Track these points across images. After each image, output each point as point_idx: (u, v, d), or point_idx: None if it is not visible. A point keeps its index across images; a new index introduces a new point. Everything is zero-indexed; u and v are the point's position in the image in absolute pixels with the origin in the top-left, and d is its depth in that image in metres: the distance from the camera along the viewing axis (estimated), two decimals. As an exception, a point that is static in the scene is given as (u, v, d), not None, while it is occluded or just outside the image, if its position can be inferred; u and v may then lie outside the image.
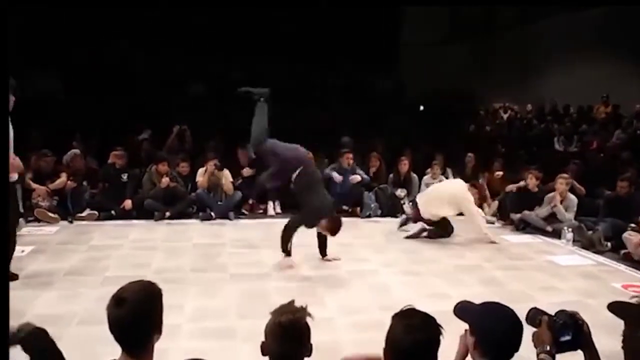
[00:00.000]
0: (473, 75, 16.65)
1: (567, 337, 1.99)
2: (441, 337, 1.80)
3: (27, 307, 3.88)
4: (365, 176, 7.97)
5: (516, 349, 1.87)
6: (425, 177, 8.23)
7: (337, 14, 14.37)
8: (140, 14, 12.46)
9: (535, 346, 2.03)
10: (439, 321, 1.85)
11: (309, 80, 13.70)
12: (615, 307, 1.98)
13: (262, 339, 1.86)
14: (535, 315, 2.08)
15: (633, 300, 2.00)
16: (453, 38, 18.45)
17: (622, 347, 1.92)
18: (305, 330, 1.84)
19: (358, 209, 7.75)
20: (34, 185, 6.82)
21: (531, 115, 13.69)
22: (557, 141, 11.35)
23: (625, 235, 5.89)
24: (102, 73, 12.29)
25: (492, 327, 1.89)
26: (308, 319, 1.86)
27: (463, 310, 2.01)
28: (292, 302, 1.90)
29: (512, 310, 1.94)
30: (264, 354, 1.85)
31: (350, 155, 7.95)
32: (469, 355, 1.98)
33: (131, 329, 1.78)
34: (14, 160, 3.59)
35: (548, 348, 1.98)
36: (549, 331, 2.00)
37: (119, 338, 1.80)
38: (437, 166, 8.23)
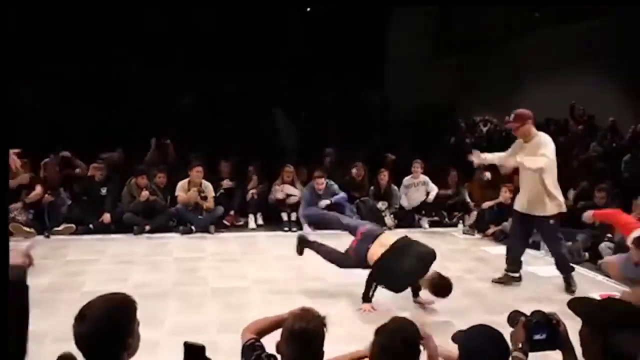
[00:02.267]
0: (456, 90, 16.87)
1: (542, 336, 2.02)
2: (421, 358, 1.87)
3: (0, 324, 3.77)
4: (338, 196, 7.63)
5: None
6: (405, 179, 8.24)
7: (325, 30, 14.50)
8: (132, 27, 12.41)
9: (512, 345, 2.07)
10: (422, 333, 1.86)
11: (297, 94, 13.75)
12: (575, 305, 2.00)
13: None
14: (515, 317, 2.13)
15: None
16: (438, 53, 18.71)
17: (581, 346, 1.93)
18: (318, 339, 1.94)
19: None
20: (14, 182, 6.56)
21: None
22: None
23: (602, 246, 6.00)
24: (87, 85, 12.16)
25: (478, 348, 1.93)
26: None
27: (455, 338, 2.06)
28: (311, 309, 2.02)
29: (498, 333, 1.97)
30: (277, 352, 1.97)
31: (322, 181, 7.53)
32: None
33: (95, 346, 1.71)
34: None
35: (520, 346, 2.02)
36: (524, 330, 2.03)
37: (85, 356, 1.73)
38: (417, 165, 8.18)
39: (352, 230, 4.72)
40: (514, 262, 5.29)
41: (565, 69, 13.68)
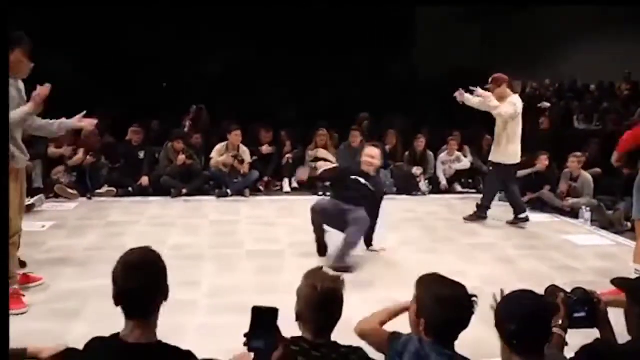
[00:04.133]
0: (490, 54, 16.36)
1: (582, 314, 2.04)
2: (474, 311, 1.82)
3: (51, 281, 3.99)
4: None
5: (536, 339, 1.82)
6: (441, 155, 8.16)
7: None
8: None
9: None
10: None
11: (325, 61, 13.54)
12: (618, 280, 2.03)
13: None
14: (553, 292, 2.13)
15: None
16: (468, 16, 18.06)
17: (626, 322, 1.96)
18: (341, 299, 1.91)
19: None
20: (59, 152, 6.92)
21: (550, 92, 13.43)
22: (576, 119, 11.15)
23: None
24: (119, 53, 12.28)
25: (509, 315, 1.83)
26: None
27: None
28: (322, 268, 1.98)
29: (539, 297, 1.89)
30: (297, 318, 1.90)
31: (356, 134, 7.85)
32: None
33: (139, 296, 1.78)
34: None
35: (560, 322, 2.02)
36: (563, 307, 2.04)
37: (126, 305, 1.79)
38: (454, 142, 8.14)
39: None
40: (485, 203, 6.30)
41: (605, 31, 13.07)
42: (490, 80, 5.87)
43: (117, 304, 1.78)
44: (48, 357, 2.04)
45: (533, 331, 1.76)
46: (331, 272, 1.95)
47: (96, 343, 1.79)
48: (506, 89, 5.83)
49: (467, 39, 16.83)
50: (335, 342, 1.91)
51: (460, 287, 1.87)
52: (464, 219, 6.25)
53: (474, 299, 1.83)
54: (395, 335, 1.98)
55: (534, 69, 15.07)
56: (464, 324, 1.83)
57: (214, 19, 12.68)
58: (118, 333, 1.77)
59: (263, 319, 1.65)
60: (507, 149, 5.88)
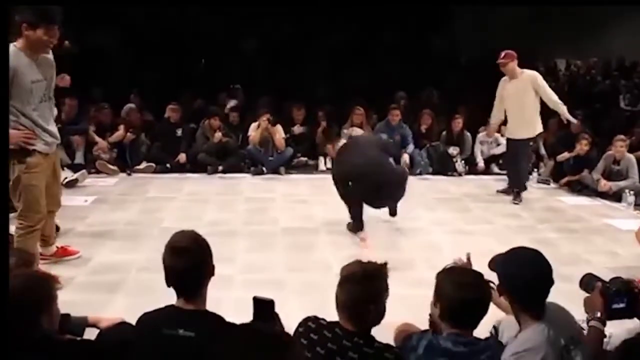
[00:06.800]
0: (533, 30, 15.74)
1: (621, 305, 1.97)
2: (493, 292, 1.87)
3: (93, 253, 4.13)
4: (410, 148, 7.72)
5: (545, 292, 1.87)
6: (480, 135, 8.00)
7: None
8: None
9: (586, 312, 2.00)
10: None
11: (361, 37, 13.32)
12: None
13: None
14: (589, 281, 2.05)
15: None
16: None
17: None
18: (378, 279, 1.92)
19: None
20: (97, 139, 7.13)
21: (595, 71, 12.93)
22: (622, 99, 10.72)
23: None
24: (157, 29, 12.39)
25: (515, 273, 1.89)
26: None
27: (494, 262, 2.02)
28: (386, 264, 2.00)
29: (538, 254, 1.93)
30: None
31: (397, 112, 7.77)
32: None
33: (188, 277, 1.91)
34: None
35: (599, 315, 1.95)
36: (602, 298, 1.97)
37: (176, 285, 1.91)
38: None
39: None
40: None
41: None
42: (502, 55, 6.03)
43: (168, 284, 1.91)
44: (105, 326, 2.20)
45: (542, 287, 1.86)
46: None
47: (149, 313, 1.95)
48: (516, 64, 6.04)
49: (513, 13, 16.18)
50: (371, 336, 1.91)
51: (479, 274, 1.92)
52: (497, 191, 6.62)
53: (491, 284, 1.90)
54: (409, 335, 2.02)
55: (581, 45, 14.47)
56: (481, 306, 1.85)
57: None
58: (172, 304, 1.94)
59: (262, 308, 1.88)
60: (538, 123, 6.17)
